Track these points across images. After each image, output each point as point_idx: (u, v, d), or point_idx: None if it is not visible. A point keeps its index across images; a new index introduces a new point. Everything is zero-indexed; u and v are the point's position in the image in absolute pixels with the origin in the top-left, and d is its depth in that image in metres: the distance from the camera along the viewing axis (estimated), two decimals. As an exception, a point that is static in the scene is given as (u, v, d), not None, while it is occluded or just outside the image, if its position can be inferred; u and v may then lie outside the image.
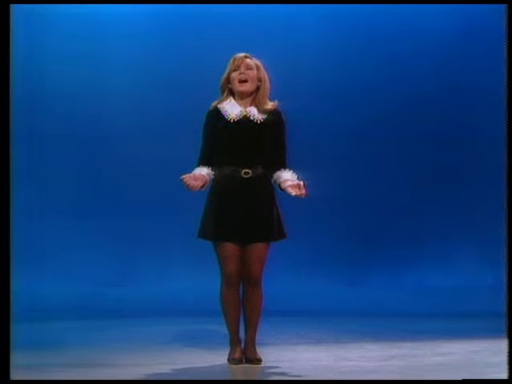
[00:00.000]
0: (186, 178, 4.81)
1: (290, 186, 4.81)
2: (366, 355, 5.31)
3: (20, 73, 7.26)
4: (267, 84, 4.94)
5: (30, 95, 7.70)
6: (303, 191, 4.78)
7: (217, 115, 4.94)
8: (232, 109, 4.94)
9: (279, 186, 4.92)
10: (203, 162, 4.94)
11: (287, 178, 4.89)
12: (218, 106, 4.97)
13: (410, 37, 7.99)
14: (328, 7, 7.78)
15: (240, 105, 4.95)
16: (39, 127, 7.82)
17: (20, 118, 7.13)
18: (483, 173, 7.96)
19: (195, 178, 4.83)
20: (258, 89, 4.93)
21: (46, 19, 7.80)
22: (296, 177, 4.89)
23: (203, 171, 4.90)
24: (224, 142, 4.92)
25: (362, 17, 7.96)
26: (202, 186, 4.86)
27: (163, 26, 7.91)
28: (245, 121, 4.92)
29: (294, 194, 4.78)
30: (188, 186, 4.79)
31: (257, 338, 4.99)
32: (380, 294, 7.77)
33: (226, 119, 4.93)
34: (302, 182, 4.80)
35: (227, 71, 4.95)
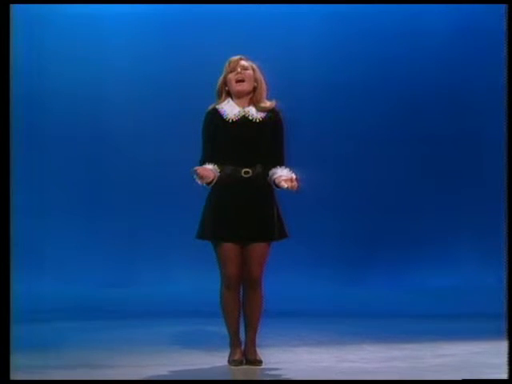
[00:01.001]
0: (200, 168, 4.80)
1: (283, 179, 4.80)
2: (366, 357, 5.29)
3: (20, 73, 7.24)
4: (263, 85, 5.00)
5: (29, 95, 7.69)
6: (295, 183, 4.77)
7: (215, 116, 4.97)
8: (230, 109, 4.97)
9: (274, 182, 4.90)
10: (208, 160, 4.93)
11: (282, 173, 4.88)
12: (217, 106, 5.00)
13: (409, 37, 7.97)
14: (328, 7, 7.78)
15: (238, 105, 4.98)
16: (39, 127, 7.80)
17: (20, 118, 7.12)
18: (487, 172, 7.91)
19: (206, 170, 4.84)
20: (254, 89, 4.97)
21: (46, 19, 7.80)
22: (292, 173, 4.87)
23: (210, 167, 4.90)
24: (223, 142, 4.93)
25: (362, 17, 7.94)
26: (212, 179, 4.85)
27: (163, 27, 7.90)
28: (244, 120, 4.95)
29: (286, 186, 4.78)
30: (201, 177, 4.79)
31: (257, 339, 4.97)
32: (381, 295, 7.73)
33: (224, 119, 4.95)
34: (294, 176, 4.81)
35: (223, 74, 5.00)
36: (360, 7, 7.81)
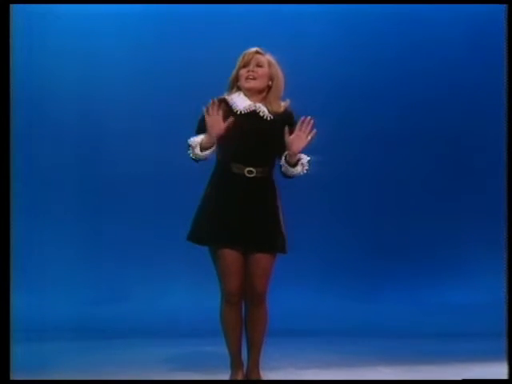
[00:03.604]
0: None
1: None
2: (381, 380, 5.12)
3: (20, 73, 7.22)
4: (279, 82, 4.71)
5: (29, 95, 7.65)
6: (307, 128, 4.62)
7: (222, 105, 4.59)
8: (241, 101, 4.67)
9: (285, 158, 4.64)
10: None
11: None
12: (226, 96, 4.70)
13: (409, 38, 7.91)
14: (336, 7, 7.74)
15: (249, 99, 4.69)
16: (39, 127, 7.73)
17: (20, 117, 7.07)
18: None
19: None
20: (269, 88, 4.71)
21: (46, 19, 7.79)
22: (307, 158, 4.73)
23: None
24: (228, 135, 4.56)
25: (366, 17, 7.87)
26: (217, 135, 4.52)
27: (164, 27, 7.82)
28: (253, 115, 4.67)
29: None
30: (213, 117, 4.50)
31: (261, 360, 4.81)
32: (396, 312, 7.54)
33: (233, 111, 4.64)
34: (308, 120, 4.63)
35: (236, 68, 4.73)
36: (362, 7, 7.78)
